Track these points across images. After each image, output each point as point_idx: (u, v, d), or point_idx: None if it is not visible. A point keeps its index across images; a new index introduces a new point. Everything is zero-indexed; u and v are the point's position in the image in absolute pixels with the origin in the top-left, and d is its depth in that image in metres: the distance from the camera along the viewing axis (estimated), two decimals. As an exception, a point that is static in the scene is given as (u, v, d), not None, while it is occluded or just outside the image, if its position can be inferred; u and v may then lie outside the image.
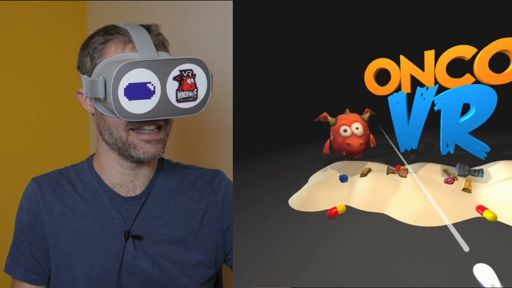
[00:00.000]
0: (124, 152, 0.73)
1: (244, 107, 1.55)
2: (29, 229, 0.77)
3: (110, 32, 0.72)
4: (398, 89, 1.53)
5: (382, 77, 1.59)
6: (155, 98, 0.68)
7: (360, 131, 1.65)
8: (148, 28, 0.73)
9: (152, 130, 0.73)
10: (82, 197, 0.77)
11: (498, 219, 1.09)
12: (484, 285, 0.65)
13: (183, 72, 0.69)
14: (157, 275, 0.75)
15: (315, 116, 1.84)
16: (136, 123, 0.72)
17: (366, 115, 1.75)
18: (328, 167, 1.79)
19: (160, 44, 0.73)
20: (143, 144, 0.72)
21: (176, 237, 0.77)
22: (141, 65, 0.67)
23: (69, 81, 1.35)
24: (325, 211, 1.33)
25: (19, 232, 0.78)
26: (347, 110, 1.79)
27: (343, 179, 1.56)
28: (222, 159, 1.17)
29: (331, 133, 1.79)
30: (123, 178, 0.78)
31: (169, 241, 0.77)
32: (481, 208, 1.14)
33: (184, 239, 0.78)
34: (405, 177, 1.42)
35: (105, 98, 0.68)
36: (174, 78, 0.69)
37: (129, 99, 0.67)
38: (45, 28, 1.33)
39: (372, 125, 1.79)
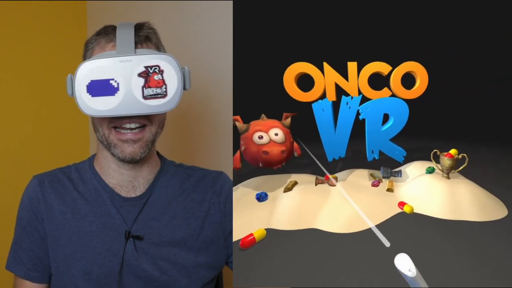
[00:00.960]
0: (109, 150, 0.74)
1: (244, 107, 1.46)
2: (30, 226, 0.77)
3: (99, 33, 0.75)
4: (323, 96, 1.53)
5: (302, 83, 1.58)
6: (119, 95, 0.67)
7: (280, 137, 1.41)
8: (139, 25, 0.73)
9: (132, 129, 0.71)
10: (83, 196, 0.77)
11: (415, 211, 1.25)
12: (403, 271, 0.72)
13: (148, 68, 0.67)
14: (157, 276, 0.75)
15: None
16: (116, 121, 0.71)
17: (287, 120, 1.51)
18: (239, 185, 1.49)
19: (142, 40, 0.72)
20: (121, 144, 0.73)
21: (176, 239, 0.78)
22: (102, 62, 0.67)
23: None
24: (237, 242, 1.08)
25: (20, 229, 0.78)
26: (263, 115, 1.58)
27: (261, 197, 1.33)
28: (222, 159, 1.16)
29: (241, 142, 1.48)
30: (121, 178, 0.79)
31: (170, 243, 0.77)
32: (401, 204, 1.28)
33: (184, 241, 0.78)
34: (335, 185, 1.37)
35: (73, 95, 0.69)
36: (139, 75, 0.67)
37: (92, 96, 0.67)
38: (45, 28, 1.33)
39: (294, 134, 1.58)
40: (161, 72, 0.68)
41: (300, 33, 2.06)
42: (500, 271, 0.92)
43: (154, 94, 0.68)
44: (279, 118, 1.57)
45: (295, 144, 1.60)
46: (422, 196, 1.30)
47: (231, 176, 0.90)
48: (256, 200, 1.32)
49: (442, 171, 1.35)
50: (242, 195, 1.39)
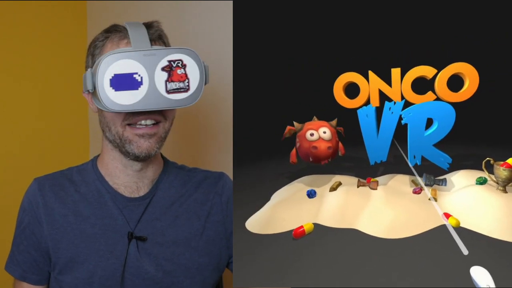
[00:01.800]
0: (121, 148, 0.72)
1: (245, 107, 1.53)
2: (28, 229, 0.76)
3: (109, 30, 0.72)
4: (367, 103, 1.55)
5: (350, 91, 1.61)
6: (143, 89, 0.66)
7: (327, 135, 1.55)
8: (148, 24, 0.71)
9: (147, 124, 0.70)
10: (85, 198, 0.75)
11: (462, 225, 1.13)
12: (481, 285, 0.69)
13: (172, 63, 0.67)
14: (160, 277, 0.73)
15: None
16: (132, 118, 0.69)
17: (334, 122, 1.65)
18: (294, 181, 1.64)
19: (156, 38, 0.72)
20: (137, 139, 0.71)
21: (179, 239, 0.76)
22: (127, 56, 0.65)
23: (69, 81, 1.32)
24: (291, 231, 1.20)
25: (19, 232, 0.77)
26: (314, 117, 1.71)
27: (311, 194, 1.43)
28: (222, 160, 1.15)
29: (297, 140, 1.66)
30: (127, 179, 0.77)
31: (173, 242, 0.75)
32: (446, 215, 1.17)
33: (187, 241, 0.76)
34: (376, 189, 1.39)
35: (94, 90, 0.66)
36: (163, 69, 0.66)
37: (116, 90, 0.66)
38: (45, 28, 1.31)
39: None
40: (183, 66, 0.67)
41: (300, 33, 2.02)
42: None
43: (177, 88, 0.67)
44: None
45: (340, 144, 1.69)
46: (471, 209, 1.17)
47: (231, 177, 0.89)
48: (306, 196, 1.42)
49: (497, 183, 1.21)
50: (296, 191, 1.51)
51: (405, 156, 1.61)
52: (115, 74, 0.65)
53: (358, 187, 1.44)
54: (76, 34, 1.38)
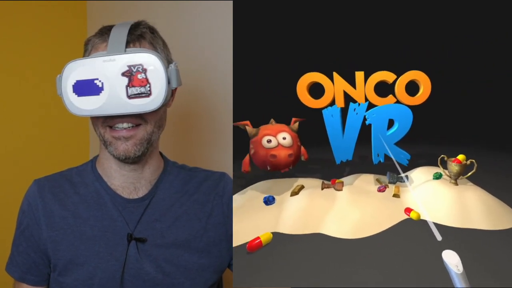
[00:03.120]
0: (106, 148, 0.72)
1: (245, 107, 1.46)
2: (28, 232, 0.75)
3: (96, 33, 0.73)
4: (332, 103, 1.56)
5: (313, 91, 1.61)
6: (104, 94, 0.66)
7: (288, 141, 1.39)
8: (135, 24, 0.72)
9: (124, 127, 0.70)
10: (84, 200, 0.75)
11: (421, 217, 1.19)
12: (451, 267, 0.73)
13: (132, 67, 0.66)
14: (160, 279, 0.73)
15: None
16: (109, 121, 0.70)
17: (295, 125, 1.52)
18: (248, 188, 1.46)
19: (135, 39, 0.70)
20: (115, 141, 0.71)
21: (180, 241, 0.75)
22: (87, 62, 0.66)
23: None
24: (245, 244, 1.06)
25: (19, 233, 0.77)
26: (271, 120, 1.57)
27: (269, 201, 1.30)
28: (222, 160, 1.14)
29: (251, 146, 1.47)
30: (123, 180, 0.76)
31: (173, 244, 0.75)
32: (408, 210, 1.22)
33: (188, 243, 0.76)
34: (341, 190, 1.33)
35: (61, 95, 0.67)
36: (123, 74, 0.66)
37: (78, 96, 0.67)
38: (45, 28, 1.30)
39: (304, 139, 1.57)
40: (144, 71, 0.66)
41: (300, 33, 2.03)
42: (509, 281, 0.86)
43: (138, 94, 0.66)
44: (286, 122, 1.57)
45: (303, 149, 1.59)
46: (429, 202, 1.24)
47: (230, 176, 0.88)
48: (263, 204, 1.29)
49: (450, 177, 1.29)
50: (250, 199, 1.36)
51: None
52: (77, 81, 0.67)
53: (322, 189, 1.35)
54: (76, 34, 1.37)
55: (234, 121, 1.14)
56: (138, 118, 0.70)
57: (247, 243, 1.06)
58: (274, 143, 1.39)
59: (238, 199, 1.38)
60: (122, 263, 0.71)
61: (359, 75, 1.53)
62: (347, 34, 1.89)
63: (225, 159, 1.14)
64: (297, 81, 1.57)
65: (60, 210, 0.74)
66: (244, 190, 1.45)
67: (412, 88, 1.53)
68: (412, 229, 1.14)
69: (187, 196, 0.79)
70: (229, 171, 1.08)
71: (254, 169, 1.53)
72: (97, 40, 0.72)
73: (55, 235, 0.73)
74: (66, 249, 0.72)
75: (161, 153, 0.84)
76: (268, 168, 1.42)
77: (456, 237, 1.08)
